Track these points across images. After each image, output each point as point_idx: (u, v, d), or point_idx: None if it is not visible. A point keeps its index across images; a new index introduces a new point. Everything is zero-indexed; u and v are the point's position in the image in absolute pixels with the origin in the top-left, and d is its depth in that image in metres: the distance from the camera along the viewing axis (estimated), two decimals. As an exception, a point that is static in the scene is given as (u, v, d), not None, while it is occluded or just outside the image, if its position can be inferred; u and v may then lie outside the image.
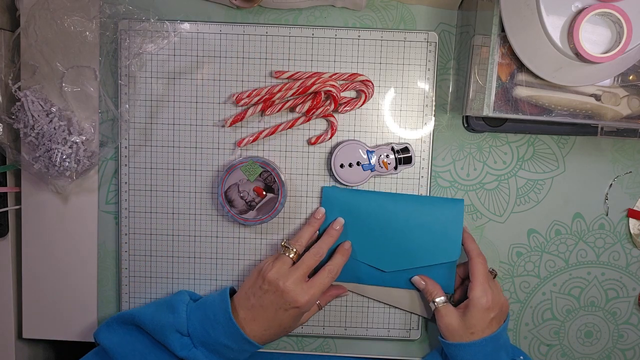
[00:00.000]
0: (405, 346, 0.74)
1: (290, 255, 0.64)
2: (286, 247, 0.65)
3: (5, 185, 0.71)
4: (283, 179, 0.67)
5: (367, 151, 0.69)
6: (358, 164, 0.69)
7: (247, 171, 0.66)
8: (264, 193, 0.67)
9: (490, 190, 0.72)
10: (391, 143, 0.69)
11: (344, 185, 0.70)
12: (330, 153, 0.70)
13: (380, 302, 0.72)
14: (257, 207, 0.67)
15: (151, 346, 0.62)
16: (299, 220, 0.71)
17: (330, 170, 0.70)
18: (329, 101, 0.68)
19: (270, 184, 0.67)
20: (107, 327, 0.65)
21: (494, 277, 0.69)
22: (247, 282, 0.64)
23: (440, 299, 0.66)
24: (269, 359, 0.72)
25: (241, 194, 0.66)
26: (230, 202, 0.66)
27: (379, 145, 0.69)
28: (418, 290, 0.70)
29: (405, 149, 0.69)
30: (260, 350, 0.74)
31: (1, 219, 0.71)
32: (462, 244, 0.67)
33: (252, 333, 0.61)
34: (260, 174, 0.66)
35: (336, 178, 0.69)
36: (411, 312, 0.72)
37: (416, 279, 0.69)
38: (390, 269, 0.69)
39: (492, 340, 0.62)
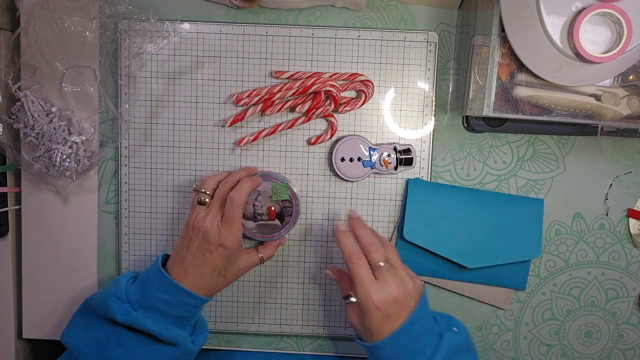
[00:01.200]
0: (405, 346, 0.74)
1: (207, 200, 0.63)
2: (197, 190, 0.64)
3: (5, 185, 0.71)
4: (297, 219, 0.68)
5: (370, 148, 0.69)
6: (359, 159, 0.69)
7: (275, 190, 0.66)
8: (275, 218, 0.67)
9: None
10: (394, 143, 0.69)
11: (342, 179, 0.70)
12: (332, 146, 0.70)
13: (457, 293, 0.73)
14: (259, 222, 0.67)
15: (106, 329, 0.62)
16: (299, 219, 0.71)
17: (330, 162, 0.70)
18: (329, 101, 0.68)
19: (285, 214, 0.67)
20: (71, 325, 0.64)
21: (386, 268, 0.59)
22: (178, 241, 0.63)
23: (350, 298, 0.61)
24: (268, 359, 0.72)
25: (255, 203, 0.66)
26: None
27: (382, 144, 0.69)
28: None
29: (408, 151, 0.69)
30: (259, 350, 0.74)
31: (1, 219, 0.71)
32: (337, 242, 0.61)
33: (188, 285, 0.60)
34: (283, 200, 0.66)
35: (335, 171, 0.69)
36: (488, 304, 0.73)
37: (328, 272, 0.66)
38: (474, 266, 0.69)
39: (398, 337, 0.57)
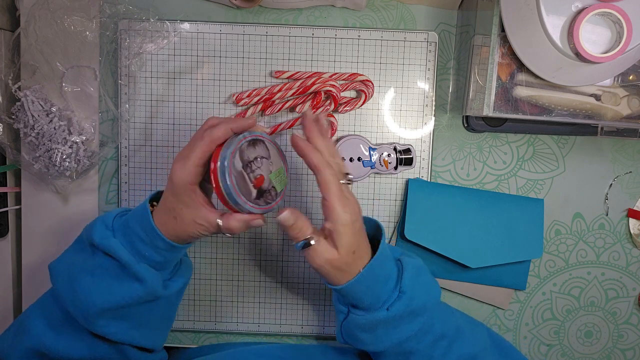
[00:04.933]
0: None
1: None
2: None
3: (5, 185, 0.71)
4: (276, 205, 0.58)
5: (370, 148, 0.69)
6: (359, 159, 0.69)
7: (275, 176, 0.57)
8: (256, 187, 0.56)
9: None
10: (394, 143, 0.69)
11: None
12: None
13: (457, 293, 0.73)
14: (242, 185, 0.55)
15: (83, 255, 0.59)
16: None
17: None
18: (329, 101, 0.68)
19: (267, 196, 0.57)
20: (61, 254, 0.61)
21: (349, 182, 0.58)
22: None
23: (314, 238, 0.55)
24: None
25: (253, 161, 0.56)
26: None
27: (382, 144, 0.69)
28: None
29: (408, 150, 0.69)
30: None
31: (1, 219, 0.71)
32: (305, 158, 0.55)
33: (159, 224, 0.56)
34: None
35: None
36: (488, 304, 0.73)
37: (285, 215, 0.55)
38: (476, 266, 0.69)
39: (370, 268, 0.55)
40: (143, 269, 0.56)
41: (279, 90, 0.68)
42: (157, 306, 0.59)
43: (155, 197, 0.60)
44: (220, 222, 0.55)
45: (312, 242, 0.55)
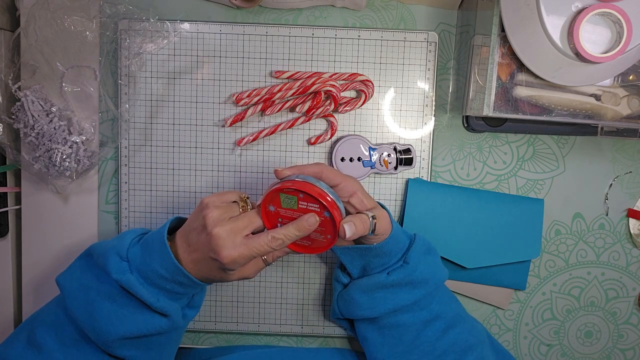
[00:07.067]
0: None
1: (242, 205, 0.58)
2: (244, 201, 0.58)
3: (5, 185, 0.71)
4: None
5: (370, 148, 0.69)
6: (359, 159, 0.69)
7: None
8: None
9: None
10: (394, 143, 0.69)
11: None
12: (332, 146, 0.70)
13: (457, 293, 0.73)
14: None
15: (100, 279, 0.58)
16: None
17: (330, 162, 0.70)
18: (329, 101, 0.68)
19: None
20: (69, 268, 0.61)
21: None
22: (192, 214, 0.58)
23: (373, 216, 0.58)
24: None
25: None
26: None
27: (382, 144, 0.69)
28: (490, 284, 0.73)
29: (408, 150, 0.69)
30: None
31: (1, 219, 0.71)
32: (326, 178, 0.58)
33: (187, 265, 0.56)
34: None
35: None
36: (488, 304, 0.74)
37: (350, 230, 0.55)
38: (472, 266, 0.70)
39: (394, 232, 0.60)
40: (166, 305, 0.56)
41: (279, 90, 0.68)
42: (176, 333, 0.61)
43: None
44: (264, 257, 0.62)
45: (375, 220, 0.58)
